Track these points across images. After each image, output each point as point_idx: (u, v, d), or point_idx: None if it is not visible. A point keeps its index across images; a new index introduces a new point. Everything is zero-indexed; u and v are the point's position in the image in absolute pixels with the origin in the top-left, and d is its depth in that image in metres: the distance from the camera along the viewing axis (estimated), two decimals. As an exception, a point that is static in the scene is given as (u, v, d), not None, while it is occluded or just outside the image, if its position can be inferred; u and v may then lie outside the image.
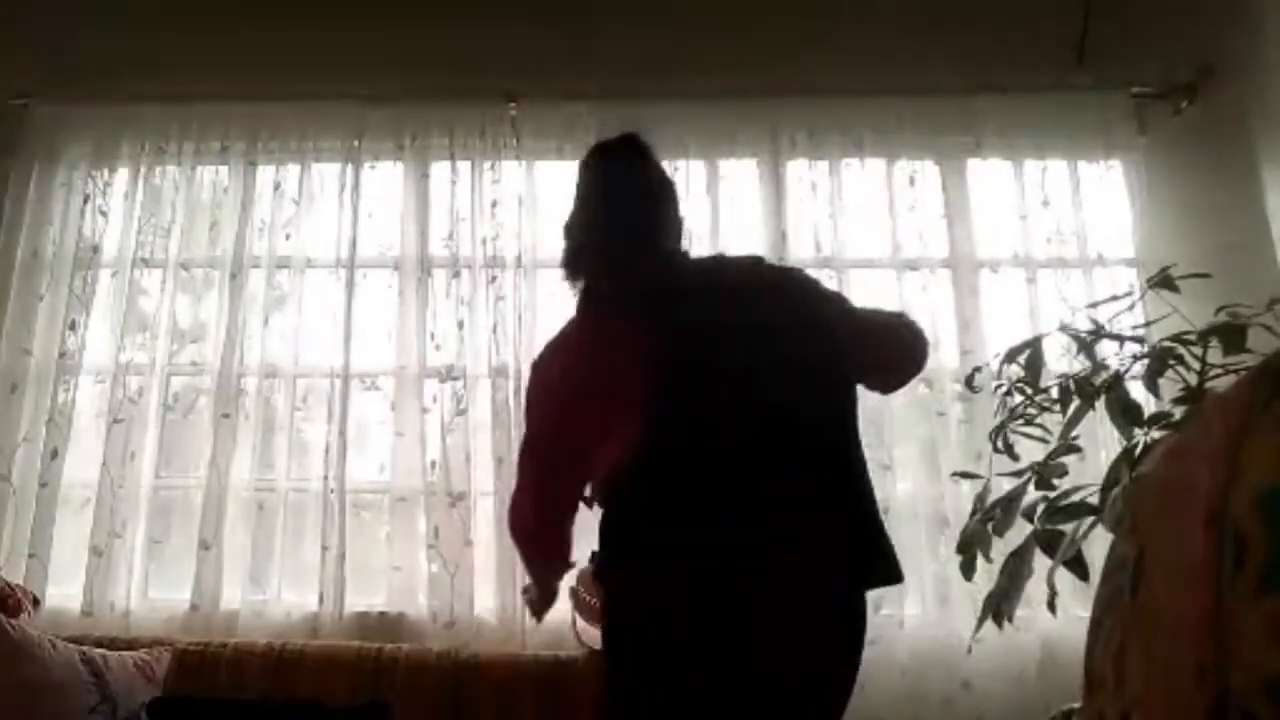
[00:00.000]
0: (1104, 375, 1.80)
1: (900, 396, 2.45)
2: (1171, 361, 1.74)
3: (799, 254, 2.56)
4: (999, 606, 1.71)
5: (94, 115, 2.72)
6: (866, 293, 2.45)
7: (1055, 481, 1.77)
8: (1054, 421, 1.88)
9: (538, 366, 1.62)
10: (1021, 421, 1.89)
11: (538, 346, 2.45)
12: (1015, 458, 1.89)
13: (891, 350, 1.53)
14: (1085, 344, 1.87)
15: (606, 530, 1.43)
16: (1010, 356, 1.93)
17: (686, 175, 2.64)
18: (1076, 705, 1.72)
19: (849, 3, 2.75)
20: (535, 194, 2.67)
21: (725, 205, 2.64)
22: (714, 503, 1.32)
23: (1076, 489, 1.74)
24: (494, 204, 2.64)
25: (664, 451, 1.37)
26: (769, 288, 1.50)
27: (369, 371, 2.59)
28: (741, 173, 2.69)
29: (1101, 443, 2.27)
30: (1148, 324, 2.08)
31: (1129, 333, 1.99)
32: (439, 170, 2.69)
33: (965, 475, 2.10)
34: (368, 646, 2.19)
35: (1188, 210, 2.56)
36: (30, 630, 1.99)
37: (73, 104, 2.72)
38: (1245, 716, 0.39)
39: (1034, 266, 2.58)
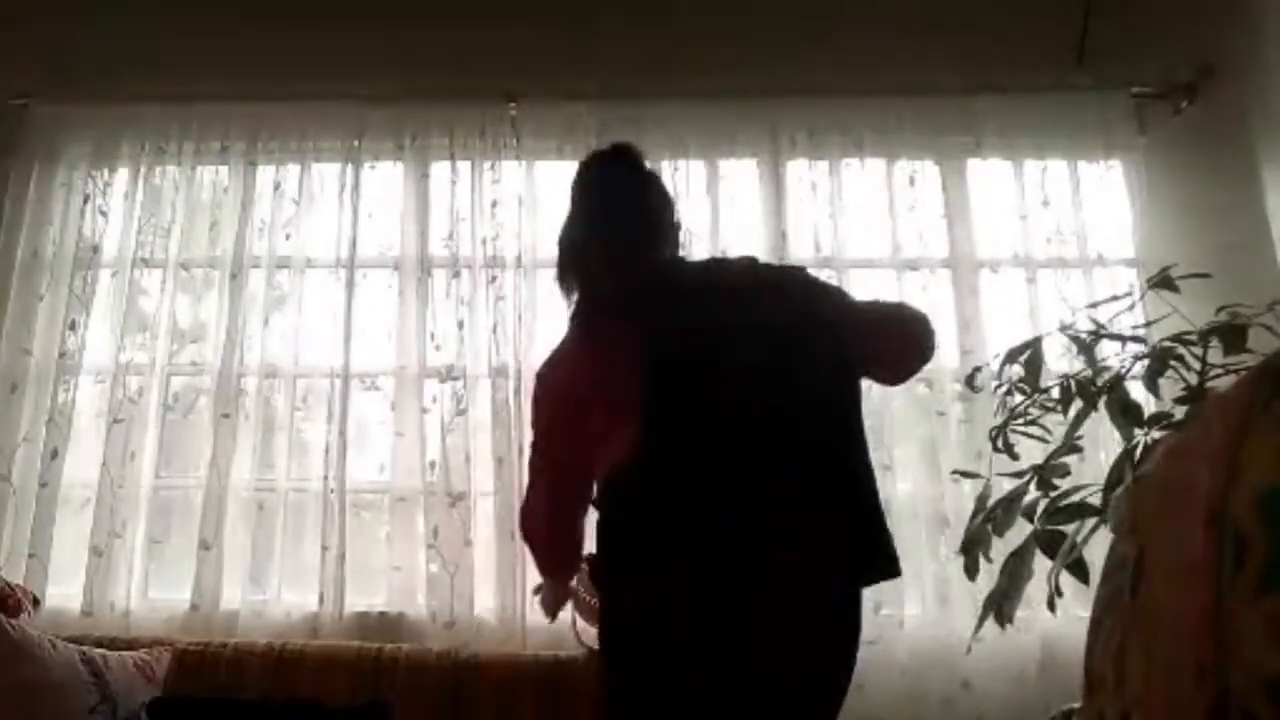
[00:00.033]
0: (1105, 376, 1.80)
1: (900, 396, 2.47)
2: (1172, 362, 1.74)
3: (799, 254, 2.56)
4: (999, 607, 1.71)
5: (94, 115, 2.72)
6: (867, 293, 2.43)
7: (1055, 481, 1.76)
8: (1054, 422, 1.88)
9: (542, 376, 1.64)
10: (1022, 422, 1.89)
11: (538, 346, 2.50)
12: (1015, 457, 1.89)
13: (893, 341, 1.51)
14: (1085, 345, 1.87)
15: (605, 530, 1.43)
16: (1011, 357, 1.93)
17: (686, 175, 2.64)
18: (1076, 705, 1.72)
19: (849, 3, 2.75)
20: (535, 194, 2.67)
21: (725, 205, 2.63)
22: (714, 503, 1.32)
23: (1077, 489, 1.74)
24: (494, 204, 2.64)
25: (663, 452, 1.37)
26: (767, 287, 1.50)
27: (369, 371, 2.59)
28: (741, 173, 2.69)
29: (1101, 443, 2.27)
30: (1148, 324, 2.08)
31: (1129, 333, 1.99)
32: (439, 170, 2.69)
33: (965, 474, 2.10)
34: (368, 646, 2.19)
35: (1188, 210, 2.56)
36: (30, 630, 1.99)
37: (73, 104, 2.72)
38: (1245, 716, 0.39)
39: (1034, 266, 2.58)
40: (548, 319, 2.50)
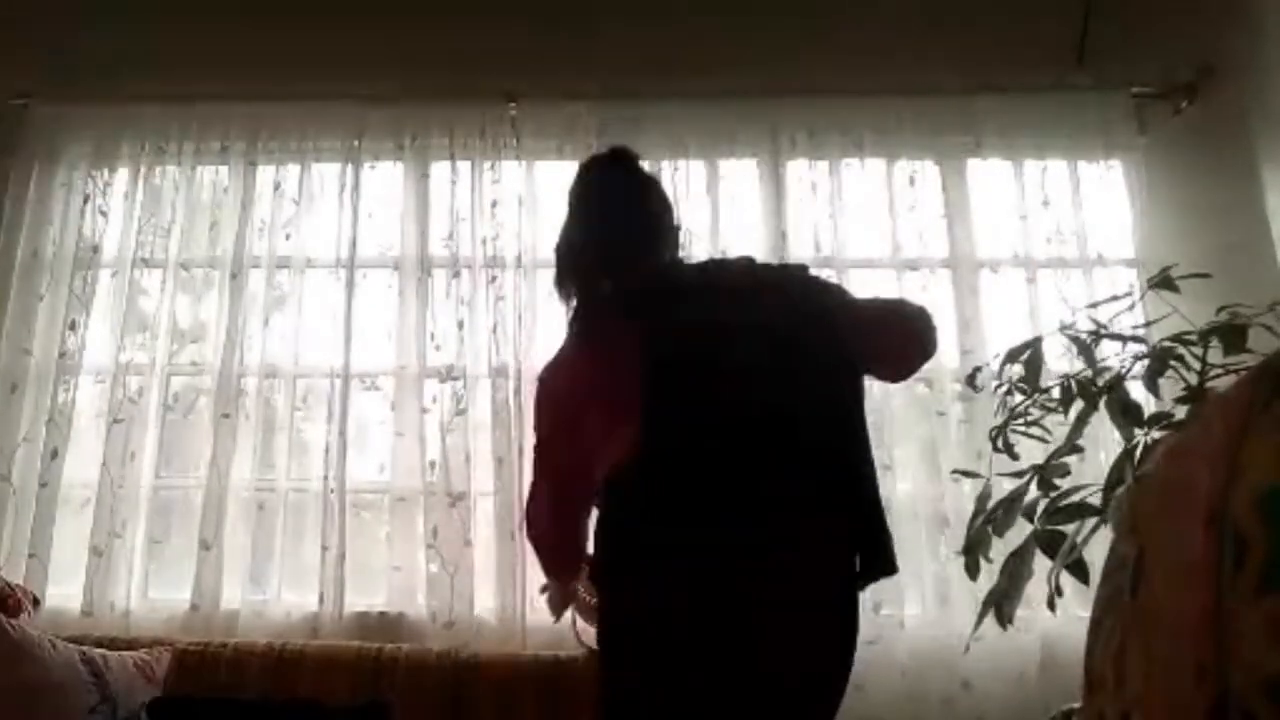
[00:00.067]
0: (1105, 376, 1.80)
1: (900, 396, 2.47)
2: (1172, 361, 1.74)
3: (799, 254, 2.56)
4: (999, 606, 1.70)
5: (94, 115, 2.72)
6: (867, 293, 2.43)
7: (1056, 481, 1.76)
8: (1055, 422, 1.88)
9: (543, 381, 1.65)
10: (1022, 422, 1.89)
11: (538, 346, 2.50)
12: (1015, 458, 1.89)
13: (894, 338, 1.50)
14: (1085, 345, 1.87)
15: (605, 530, 1.43)
16: (1011, 357, 1.93)
17: (686, 175, 2.64)
18: (1076, 705, 1.72)
19: (849, 3, 2.75)
20: (535, 194, 2.67)
21: (725, 205, 2.63)
22: (713, 503, 1.32)
23: (1077, 489, 1.74)
24: (494, 204, 2.64)
25: (663, 452, 1.37)
26: (766, 287, 1.50)
27: (369, 371, 2.59)
28: (741, 173, 2.69)
29: (1101, 443, 2.27)
30: (1148, 324, 2.08)
31: (1129, 333, 1.99)
32: (439, 170, 2.69)
33: (965, 474, 2.10)
34: (368, 646, 2.19)
35: (1188, 210, 2.56)
36: (30, 630, 1.99)
37: (73, 104, 2.72)
38: (1245, 716, 0.39)
39: (1034, 266, 2.58)
40: (548, 319, 2.50)
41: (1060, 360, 2.09)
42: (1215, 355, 1.72)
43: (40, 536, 2.39)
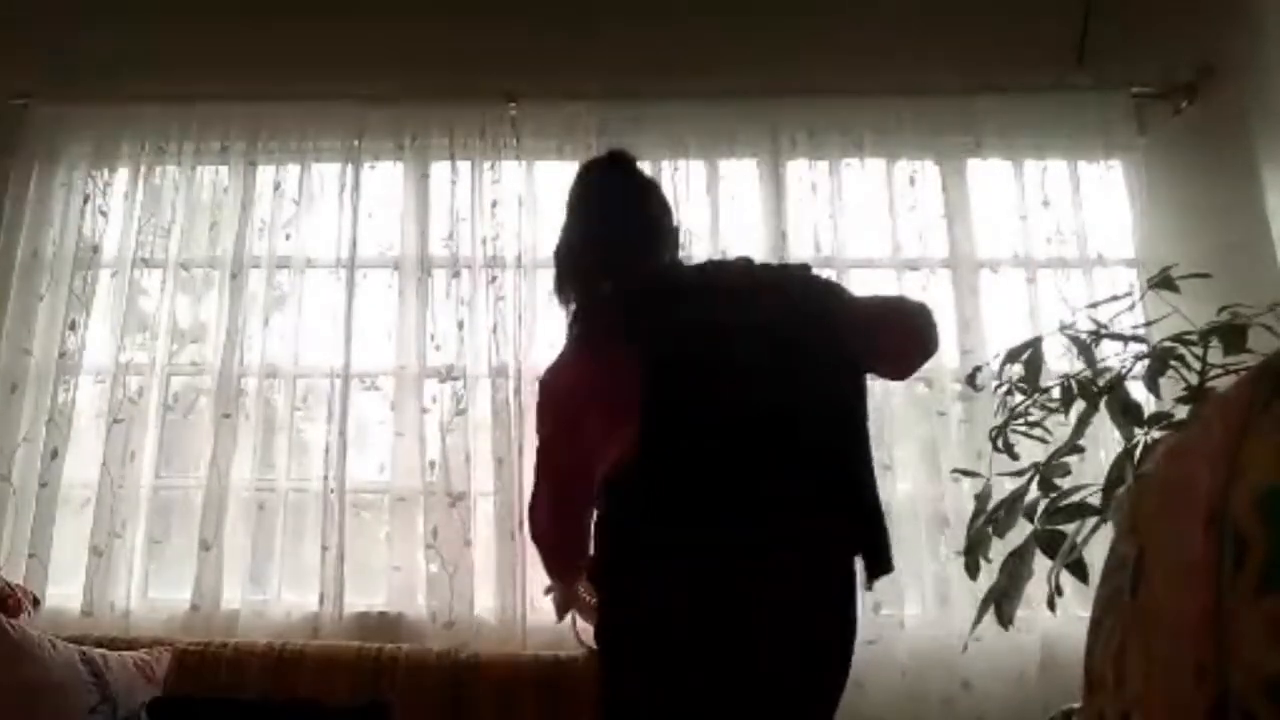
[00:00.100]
0: (1105, 376, 1.80)
1: (900, 396, 2.47)
2: (1172, 361, 1.74)
3: (799, 254, 2.55)
4: (999, 606, 1.70)
5: (94, 115, 2.72)
6: (867, 293, 2.44)
7: (1056, 481, 1.76)
8: (1055, 422, 1.88)
9: (544, 383, 1.65)
10: (1022, 422, 1.89)
11: (538, 346, 2.50)
12: (1015, 457, 1.89)
13: (895, 336, 1.50)
14: (1085, 345, 1.87)
15: (605, 530, 1.43)
16: (1011, 357, 1.93)
17: (686, 175, 2.64)
18: (1076, 705, 1.72)
19: (849, 3, 2.75)
20: (535, 194, 2.67)
21: (725, 205, 2.63)
22: (713, 503, 1.32)
23: (1077, 489, 1.74)
24: (494, 204, 2.64)
25: (663, 452, 1.37)
26: (766, 287, 1.50)
27: (369, 371, 2.59)
28: (741, 173, 2.69)
29: (1101, 442, 2.27)
30: (1148, 324, 2.08)
31: (1129, 333, 1.99)
32: (439, 170, 2.69)
33: (965, 473, 2.10)
34: (368, 646, 2.19)
35: (1188, 210, 2.56)
36: (30, 630, 1.99)
37: (73, 104, 2.72)
38: (1245, 716, 0.39)
39: (1034, 266, 2.58)
40: (548, 319, 2.50)
41: (1060, 360, 2.09)
42: (1215, 355, 1.72)
43: (40, 536, 2.39)
